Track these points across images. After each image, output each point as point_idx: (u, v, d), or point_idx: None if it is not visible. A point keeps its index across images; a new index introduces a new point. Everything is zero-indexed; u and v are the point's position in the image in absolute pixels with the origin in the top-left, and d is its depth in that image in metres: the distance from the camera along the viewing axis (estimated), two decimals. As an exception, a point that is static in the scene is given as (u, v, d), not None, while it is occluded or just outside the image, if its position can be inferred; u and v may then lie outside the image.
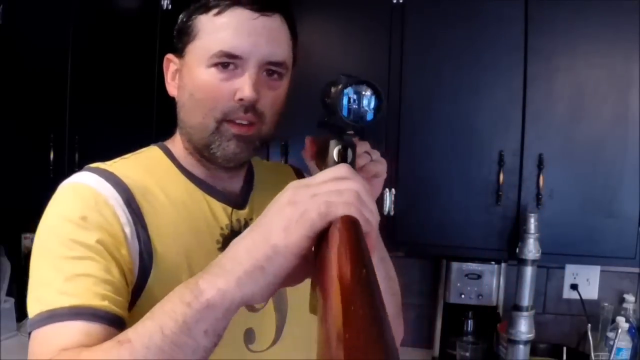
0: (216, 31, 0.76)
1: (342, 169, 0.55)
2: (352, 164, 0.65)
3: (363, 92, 0.65)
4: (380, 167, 0.77)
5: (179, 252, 0.77)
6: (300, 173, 1.04)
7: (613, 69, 1.72)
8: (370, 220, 0.52)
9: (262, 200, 0.89)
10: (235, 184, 0.88)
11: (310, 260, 0.52)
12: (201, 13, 0.78)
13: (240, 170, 0.88)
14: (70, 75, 1.95)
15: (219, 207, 0.84)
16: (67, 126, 1.94)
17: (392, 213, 1.82)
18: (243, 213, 0.86)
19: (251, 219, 0.87)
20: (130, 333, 0.57)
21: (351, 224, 0.49)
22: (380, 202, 1.81)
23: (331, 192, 0.52)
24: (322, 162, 0.70)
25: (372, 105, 0.65)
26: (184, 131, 0.83)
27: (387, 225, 1.81)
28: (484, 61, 1.78)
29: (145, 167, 0.83)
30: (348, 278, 0.40)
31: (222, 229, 0.83)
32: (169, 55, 0.84)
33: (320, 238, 0.50)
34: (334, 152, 0.65)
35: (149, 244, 0.75)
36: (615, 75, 1.72)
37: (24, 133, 1.93)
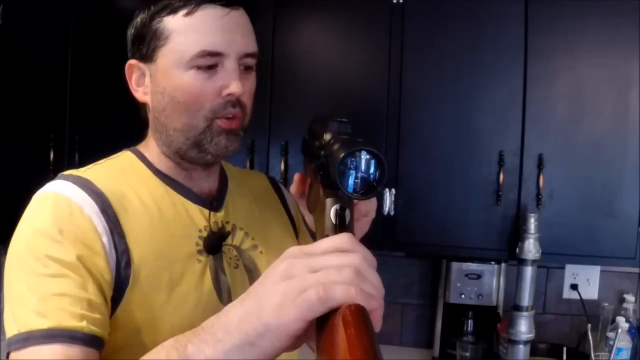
0: (191, 32, 0.76)
1: (343, 240, 0.51)
2: (350, 224, 0.59)
3: (363, 157, 0.57)
4: (370, 205, 0.75)
5: (157, 258, 0.76)
6: (276, 183, 1.05)
7: (613, 69, 1.72)
8: (373, 296, 0.48)
9: (237, 204, 0.90)
10: (211, 184, 0.88)
11: (308, 332, 0.49)
12: (166, 15, 0.77)
13: (216, 169, 0.89)
14: (70, 75, 1.95)
15: (195, 210, 0.84)
16: (67, 126, 1.94)
17: (392, 213, 1.82)
18: (220, 215, 0.86)
19: (227, 222, 0.87)
20: None
21: (360, 321, 0.45)
22: (380, 202, 1.81)
23: (330, 268, 0.48)
24: (313, 202, 0.67)
25: (373, 171, 0.57)
26: (163, 135, 0.82)
27: (387, 225, 1.81)
28: (484, 61, 1.78)
29: (120, 172, 0.82)
30: None
31: (200, 231, 0.83)
32: (132, 62, 0.83)
33: (322, 319, 0.47)
34: (331, 213, 0.59)
35: (127, 253, 0.74)
36: (615, 75, 1.72)
37: (24, 133, 1.93)
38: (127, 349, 0.71)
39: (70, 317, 0.66)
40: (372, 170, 0.57)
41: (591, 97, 1.73)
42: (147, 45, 0.79)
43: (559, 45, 1.73)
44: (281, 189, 1.04)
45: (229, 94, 0.77)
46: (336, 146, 0.59)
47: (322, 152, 0.62)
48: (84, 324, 0.66)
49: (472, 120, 1.79)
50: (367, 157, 0.57)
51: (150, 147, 0.86)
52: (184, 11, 0.76)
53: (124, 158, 0.86)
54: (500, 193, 1.76)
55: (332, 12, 1.90)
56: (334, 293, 0.46)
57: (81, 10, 1.95)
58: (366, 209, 0.74)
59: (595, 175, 1.73)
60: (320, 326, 0.47)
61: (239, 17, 0.79)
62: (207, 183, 0.87)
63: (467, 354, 1.88)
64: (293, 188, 0.76)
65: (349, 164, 0.56)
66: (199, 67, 0.76)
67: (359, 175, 0.57)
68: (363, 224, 0.77)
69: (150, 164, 0.85)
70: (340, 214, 0.58)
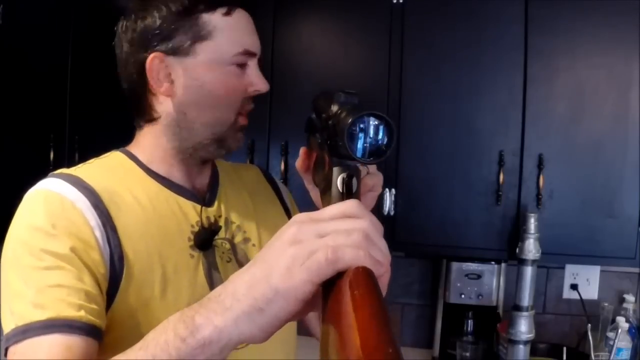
0: (232, 31, 0.81)
1: (351, 205, 0.50)
2: (357, 192, 0.60)
3: (372, 123, 0.57)
4: (377, 180, 0.74)
5: (150, 253, 0.77)
6: (269, 175, 1.06)
7: (613, 69, 1.72)
8: (381, 262, 0.48)
9: (230, 197, 0.91)
10: (203, 180, 0.89)
11: (315, 299, 0.48)
12: (206, 11, 0.80)
13: (210, 165, 0.91)
14: (70, 75, 1.95)
15: (188, 205, 0.84)
16: (67, 126, 1.94)
17: (392, 213, 1.82)
18: (212, 210, 0.87)
19: (220, 216, 0.88)
20: None
21: (367, 282, 0.44)
22: (380, 202, 1.81)
23: (339, 232, 0.48)
24: (319, 176, 0.67)
25: (381, 136, 0.57)
26: (183, 131, 0.82)
27: (387, 225, 1.81)
28: (484, 61, 1.78)
29: (111, 170, 0.83)
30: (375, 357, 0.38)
31: (192, 226, 0.83)
32: (157, 55, 0.80)
33: (329, 282, 0.47)
34: (338, 181, 0.59)
35: (119, 247, 0.74)
36: (615, 75, 1.72)
37: (24, 133, 1.93)
38: (126, 347, 0.71)
39: (68, 307, 0.66)
40: (380, 135, 0.57)
41: (591, 97, 1.73)
42: (180, 39, 0.79)
43: (559, 45, 1.73)
44: (275, 180, 1.05)
45: (256, 91, 0.83)
46: (344, 114, 0.58)
47: (330, 122, 0.62)
48: (82, 313, 0.66)
49: (472, 120, 1.79)
50: (375, 122, 0.57)
51: (141, 146, 0.86)
52: (222, 10, 0.80)
53: (113, 157, 0.86)
54: (500, 193, 1.76)
55: (332, 12, 1.90)
56: (343, 255, 0.46)
57: (81, 10, 1.95)
58: (372, 183, 0.72)
59: (595, 175, 1.73)
60: (326, 293, 0.47)
61: (253, 22, 0.86)
62: (199, 180, 0.88)
63: (467, 354, 1.88)
64: (298, 162, 0.76)
65: (357, 129, 0.56)
66: (237, 65, 0.81)
67: (368, 140, 0.57)
68: (369, 200, 0.74)
69: (140, 163, 0.85)
70: (347, 182, 0.59)
